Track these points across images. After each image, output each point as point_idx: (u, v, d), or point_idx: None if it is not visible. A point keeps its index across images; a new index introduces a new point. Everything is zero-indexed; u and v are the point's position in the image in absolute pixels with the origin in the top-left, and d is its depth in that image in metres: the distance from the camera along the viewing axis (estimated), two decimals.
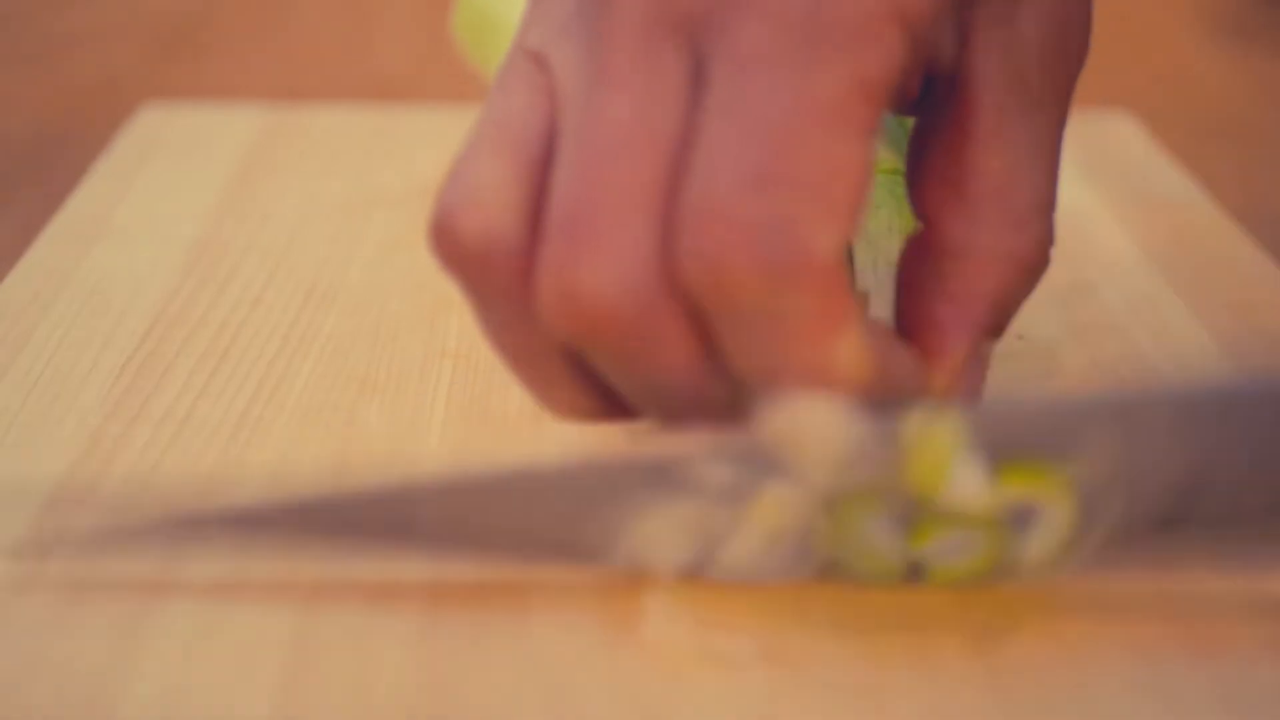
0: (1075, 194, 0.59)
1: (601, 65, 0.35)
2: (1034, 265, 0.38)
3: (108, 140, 0.64)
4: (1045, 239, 0.38)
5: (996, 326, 0.39)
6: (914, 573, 0.37)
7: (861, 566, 0.37)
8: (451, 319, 0.49)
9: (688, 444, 0.36)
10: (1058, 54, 0.39)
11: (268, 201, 0.58)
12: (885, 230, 0.43)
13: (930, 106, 0.39)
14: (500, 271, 0.36)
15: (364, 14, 0.91)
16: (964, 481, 0.35)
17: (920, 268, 0.39)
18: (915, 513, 0.36)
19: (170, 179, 0.60)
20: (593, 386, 0.37)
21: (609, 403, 0.37)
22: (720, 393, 0.35)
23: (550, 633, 0.35)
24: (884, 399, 0.36)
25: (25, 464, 0.41)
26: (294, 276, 0.52)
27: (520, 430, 0.43)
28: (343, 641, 0.35)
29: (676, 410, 0.36)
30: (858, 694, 0.34)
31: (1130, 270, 0.53)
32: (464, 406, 0.45)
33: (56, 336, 0.48)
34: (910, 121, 0.41)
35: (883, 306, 0.41)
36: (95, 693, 0.33)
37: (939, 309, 0.38)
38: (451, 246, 0.36)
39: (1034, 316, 0.48)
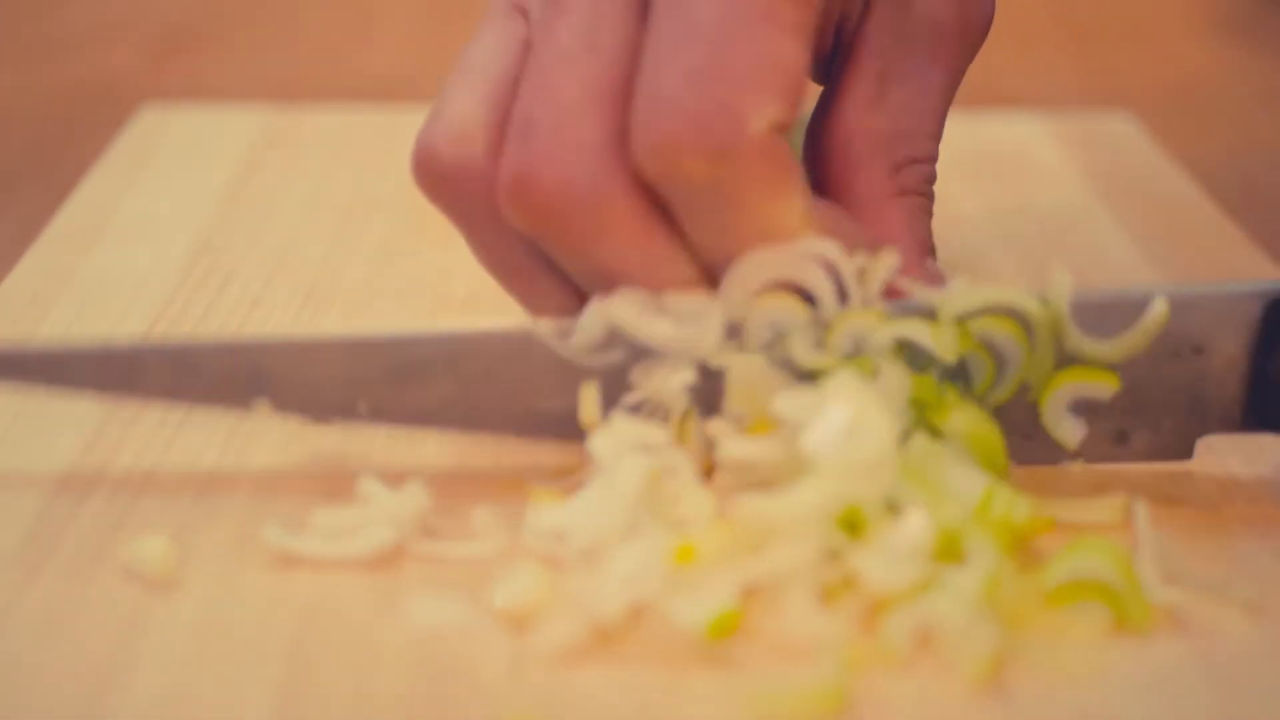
0: (1076, 194, 0.59)
1: None
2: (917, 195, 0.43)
3: (108, 140, 0.64)
4: (925, 178, 0.43)
5: (920, 251, 0.42)
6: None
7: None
8: (451, 319, 0.49)
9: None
10: (955, 25, 0.43)
11: (268, 202, 0.58)
12: None
13: (832, 73, 0.43)
14: (474, 189, 0.40)
15: (364, 14, 0.91)
16: None
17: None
18: None
19: (170, 179, 0.60)
20: (569, 287, 0.41)
21: (583, 301, 0.40)
22: (671, 277, 0.39)
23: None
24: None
25: (26, 464, 0.41)
26: (294, 276, 0.52)
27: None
28: (343, 642, 0.35)
29: None
30: (863, 710, 0.34)
31: (1131, 270, 0.53)
32: None
33: (56, 336, 0.48)
34: None
35: None
36: (95, 692, 0.33)
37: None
38: (431, 175, 0.40)
39: None
